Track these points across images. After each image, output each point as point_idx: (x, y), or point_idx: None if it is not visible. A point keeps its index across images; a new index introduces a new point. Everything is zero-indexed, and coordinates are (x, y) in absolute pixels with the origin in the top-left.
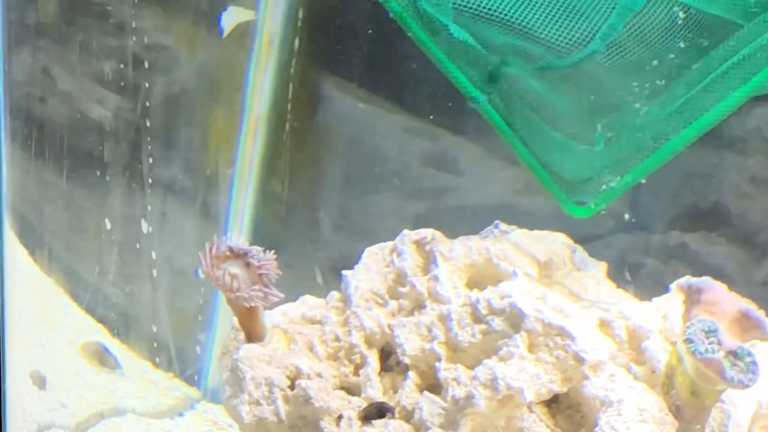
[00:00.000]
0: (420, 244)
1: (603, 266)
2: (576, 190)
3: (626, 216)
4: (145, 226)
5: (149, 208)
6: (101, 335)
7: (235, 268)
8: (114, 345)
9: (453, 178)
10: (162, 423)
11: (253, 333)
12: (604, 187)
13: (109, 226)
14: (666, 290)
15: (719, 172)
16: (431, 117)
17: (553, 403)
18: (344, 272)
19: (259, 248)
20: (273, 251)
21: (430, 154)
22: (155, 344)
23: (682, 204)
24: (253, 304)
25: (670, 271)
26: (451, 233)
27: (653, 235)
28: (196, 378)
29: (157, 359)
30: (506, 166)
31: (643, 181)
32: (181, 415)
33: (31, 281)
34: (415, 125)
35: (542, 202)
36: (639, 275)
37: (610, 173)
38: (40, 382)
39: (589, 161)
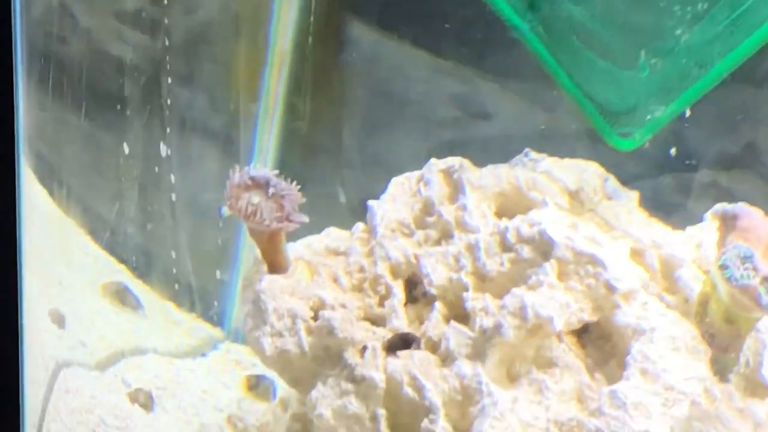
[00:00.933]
0: (447, 172)
1: (635, 196)
2: (620, 120)
3: (672, 151)
4: (167, 164)
5: (171, 145)
6: (123, 276)
7: (256, 198)
8: (136, 285)
9: (480, 122)
10: (184, 363)
11: (275, 265)
12: (648, 117)
13: (128, 163)
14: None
15: (753, 110)
16: (460, 57)
17: (583, 333)
18: (369, 202)
19: (280, 177)
20: (295, 182)
21: (457, 95)
22: (178, 285)
23: (715, 142)
24: (275, 227)
25: (702, 210)
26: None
27: (685, 173)
28: (219, 318)
29: (181, 300)
30: (536, 110)
31: (688, 112)
32: (204, 355)
33: (50, 220)
34: (442, 65)
35: (572, 148)
36: (671, 213)
37: (654, 102)
38: (59, 320)
39: (634, 89)
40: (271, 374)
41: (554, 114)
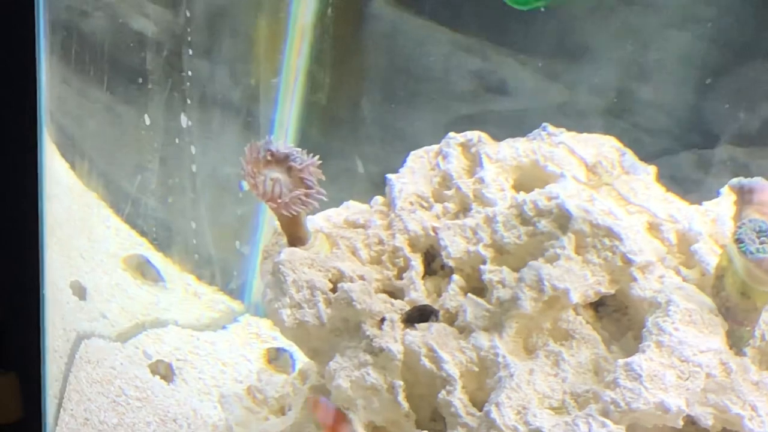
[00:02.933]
0: (466, 146)
1: (653, 170)
2: None
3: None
4: (187, 137)
5: (191, 118)
6: (144, 248)
7: (276, 173)
8: (157, 258)
9: (499, 97)
10: (205, 335)
11: (295, 237)
12: None
13: (149, 136)
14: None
15: None
16: (479, 33)
17: (600, 306)
18: (389, 176)
19: (300, 150)
20: (316, 155)
21: (476, 71)
22: (199, 258)
23: (733, 119)
24: (294, 212)
25: (721, 185)
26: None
27: (703, 150)
28: (240, 291)
29: (201, 273)
30: (555, 86)
31: None
32: (224, 327)
33: (72, 193)
34: (462, 41)
35: (591, 124)
36: (690, 189)
37: None
38: (81, 292)
39: None
40: (291, 347)
41: (573, 90)
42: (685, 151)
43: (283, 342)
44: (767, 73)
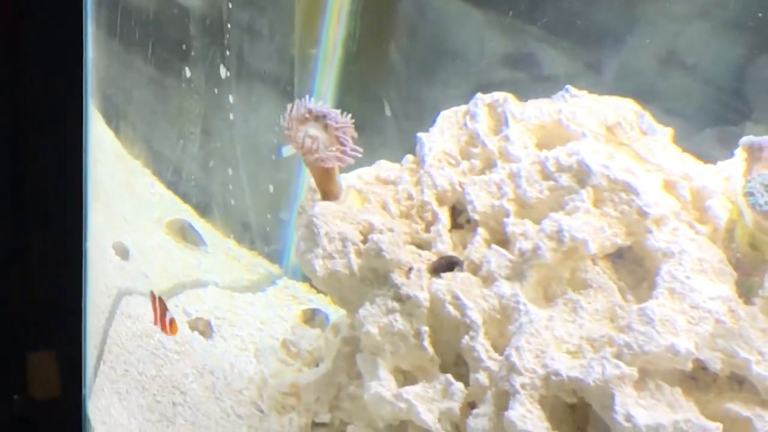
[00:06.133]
0: (492, 106)
1: (670, 131)
2: None
3: None
4: (230, 111)
5: (234, 88)
6: (187, 215)
7: (313, 130)
8: (200, 224)
9: (528, 77)
10: (244, 296)
11: (328, 193)
12: None
13: (190, 106)
14: None
15: None
16: (516, 15)
17: (618, 259)
18: (419, 134)
19: (337, 111)
20: (350, 115)
21: (508, 50)
22: (239, 223)
23: (759, 100)
24: (330, 165)
25: None
26: None
27: (727, 127)
28: (278, 256)
29: (241, 237)
30: (585, 69)
31: None
32: (262, 289)
33: (117, 160)
34: (495, 21)
35: None
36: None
37: None
38: (123, 253)
39: None
40: (326, 308)
41: (603, 73)
42: (709, 128)
43: (319, 303)
44: None
